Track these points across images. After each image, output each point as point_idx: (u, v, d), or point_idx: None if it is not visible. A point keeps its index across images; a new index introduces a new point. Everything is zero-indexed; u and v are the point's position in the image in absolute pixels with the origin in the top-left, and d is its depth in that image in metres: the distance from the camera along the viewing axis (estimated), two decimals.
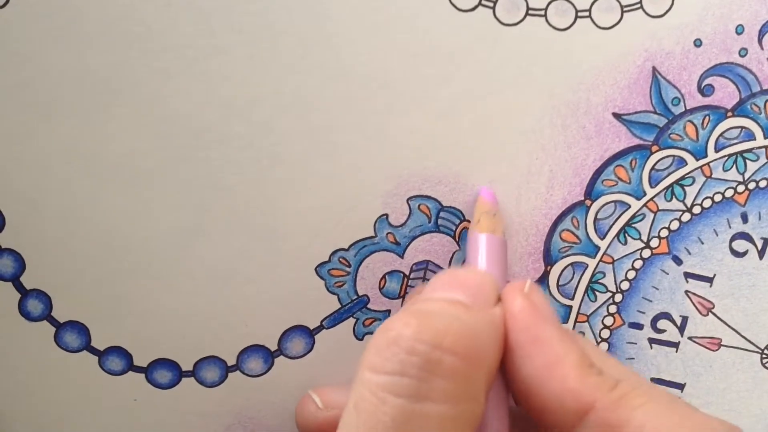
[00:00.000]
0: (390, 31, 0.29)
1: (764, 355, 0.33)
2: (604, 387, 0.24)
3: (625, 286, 0.32)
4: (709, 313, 0.32)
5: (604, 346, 0.32)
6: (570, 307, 0.32)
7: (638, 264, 0.32)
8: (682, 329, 0.32)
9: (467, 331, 0.24)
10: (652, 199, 0.31)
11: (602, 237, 0.31)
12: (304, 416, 0.29)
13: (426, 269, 0.31)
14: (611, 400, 0.24)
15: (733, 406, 0.33)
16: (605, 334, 0.32)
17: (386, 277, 0.31)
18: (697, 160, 0.31)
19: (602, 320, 0.32)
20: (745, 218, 0.32)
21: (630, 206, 0.31)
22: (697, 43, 0.30)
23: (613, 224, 0.31)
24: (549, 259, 0.31)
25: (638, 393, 0.24)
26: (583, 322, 0.32)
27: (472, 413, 0.23)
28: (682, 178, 0.31)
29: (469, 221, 0.31)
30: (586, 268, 0.31)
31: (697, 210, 0.32)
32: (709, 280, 0.32)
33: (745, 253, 0.32)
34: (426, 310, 0.24)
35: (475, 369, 0.24)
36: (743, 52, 0.30)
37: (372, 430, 0.22)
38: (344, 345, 0.31)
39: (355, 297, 0.31)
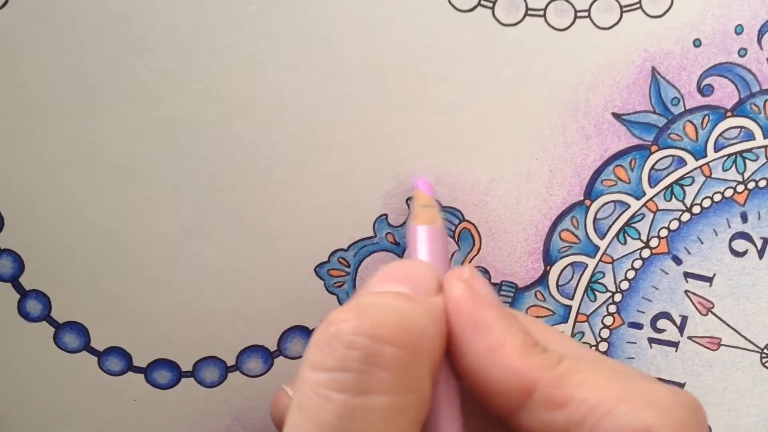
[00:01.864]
0: (389, 31, 0.29)
1: (764, 355, 0.33)
2: (547, 364, 0.24)
3: (624, 285, 0.32)
4: (709, 313, 0.32)
5: (604, 345, 0.32)
6: (570, 307, 0.32)
7: (638, 264, 0.32)
8: (681, 329, 0.32)
9: (406, 321, 0.23)
10: (651, 198, 0.31)
11: (602, 237, 0.31)
12: (279, 410, 0.29)
13: None
14: (554, 377, 0.24)
15: (732, 405, 0.33)
16: (605, 333, 0.32)
17: None
18: (697, 159, 0.31)
19: (602, 320, 0.32)
20: (744, 218, 0.32)
21: (630, 206, 0.31)
22: (697, 43, 0.30)
23: (613, 224, 0.31)
24: (549, 259, 0.31)
25: (581, 367, 0.24)
26: (583, 321, 0.32)
27: (417, 402, 0.23)
28: (682, 177, 0.31)
29: (469, 221, 0.31)
30: (585, 268, 0.31)
31: (696, 210, 0.32)
32: (709, 279, 0.32)
33: (744, 253, 0.32)
34: (364, 303, 0.24)
35: (416, 358, 0.23)
36: (743, 52, 0.30)
37: (317, 428, 0.22)
38: None
39: None
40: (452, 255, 0.31)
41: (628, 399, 0.23)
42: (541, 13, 0.29)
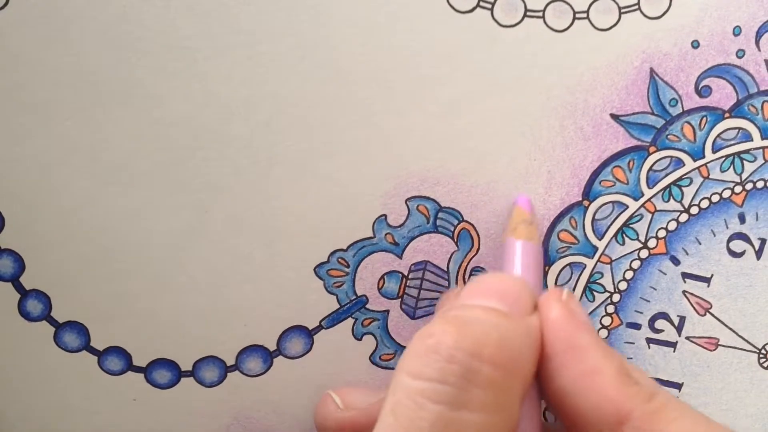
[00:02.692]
0: (388, 32, 0.29)
1: (762, 355, 0.33)
2: (641, 398, 0.25)
3: (623, 286, 0.32)
4: (707, 313, 0.32)
5: None
6: None
7: (636, 264, 0.32)
8: (679, 329, 0.32)
9: (505, 341, 0.24)
10: (649, 199, 0.31)
11: (600, 237, 0.31)
12: (324, 416, 0.29)
13: (424, 269, 0.31)
14: (648, 412, 0.24)
15: (730, 405, 0.33)
16: (603, 334, 0.32)
17: (385, 277, 0.31)
18: (695, 161, 0.31)
19: (600, 320, 0.32)
20: (742, 219, 0.32)
21: (628, 207, 0.31)
22: (695, 44, 0.30)
23: (611, 225, 0.31)
24: (547, 260, 0.31)
25: (674, 407, 0.25)
26: None
27: (507, 423, 0.24)
28: (680, 178, 0.31)
29: (467, 222, 0.31)
30: (584, 269, 0.32)
31: (694, 210, 0.32)
32: (707, 280, 0.32)
33: (742, 254, 0.32)
34: (465, 318, 0.24)
35: (512, 379, 0.24)
36: (740, 53, 0.30)
37: None
38: (343, 345, 0.31)
39: (354, 297, 0.31)
40: (450, 255, 0.31)
41: None
42: (540, 14, 0.29)
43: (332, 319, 0.31)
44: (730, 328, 0.33)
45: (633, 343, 0.32)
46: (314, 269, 0.30)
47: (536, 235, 0.29)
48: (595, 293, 0.32)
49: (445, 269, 0.31)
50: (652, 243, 0.32)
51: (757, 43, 0.30)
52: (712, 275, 0.32)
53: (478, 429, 0.23)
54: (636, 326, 0.32)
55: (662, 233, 0.32)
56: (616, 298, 0.32)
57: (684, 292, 0.32)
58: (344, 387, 0.30)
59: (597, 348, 0.25)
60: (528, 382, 0.25)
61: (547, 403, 0.26)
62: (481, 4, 0.29)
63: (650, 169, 0.31)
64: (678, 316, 0.32)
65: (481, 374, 0.23)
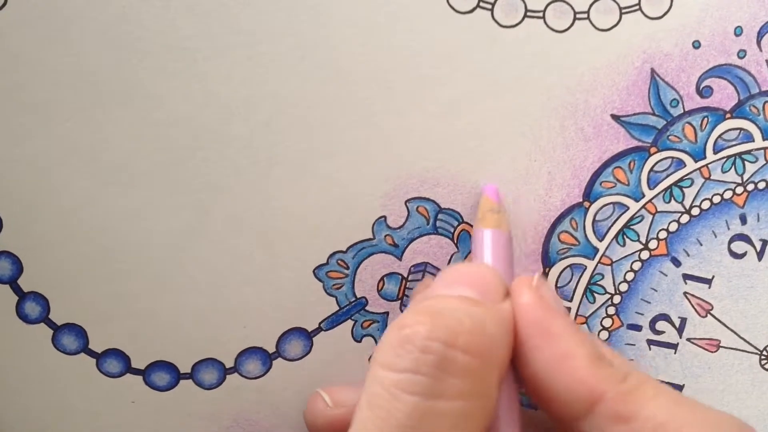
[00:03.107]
0: (388, 32, 0.29)
1: (763, 357, 0.33)
2: (615, 379, 0.25)
3: (623, 287, 0.32)
4: (708, 315, 0.32)
5: None
6: (569, 309, 0.32)
7: (637, 265, 0.32)
8: (680, 331, 0.32)
9: (479, 329, 0.24)
10: (650, 200, 0.31)
11: (601, 239, 0.31)
12: (314, 414, 0.29)
13: (424, 271, 0.31)
14: (621, 392, 0.24)
15: (731, 407, 0.33)
16: (604, 335, 0.32)
17: (384, 279, 0.31)
18: (696, 161, 0.31)
19: (601, 322, 0.32)
20: (743, 220, 0.32)
21: (628, 208, 0.31)
22: (696, 44, 0.30)
23: (612, 226, 0.31)
24: (547, 261, 0.31)
25: (648, 386, 0.25)
26: (582, 323, 0.32)
27: (484, 409, 0.24)
28: (681, 179, 0.31)
29: (467, 223, 0.30)
30: (584, 270, 0.31)
31: (695, 212, 0.32)
32: (708, 281, 0.32)
33: (743, 255, 0.32)
34: (438, 308, 0.24)
35: (488, 366, 0.24)
36: (742, 53, 0.30)
37: (386, 426, 0.22)
38: (342, 347, 0.31)
39: (354, 299, 0.31)
40: (450, 257, 0.31)
41: (691, 423, 0.24)
42: (540, 14, 0.29)
43: (332, 321, 0.31)
44: (732, 330, 0.32)
45: (634, 345, 0.32)
46: (314, 271, 0.30)
47: (505, 223, 0.29)
48: (595, 295, 0.32)
49: None
50: (653, 244, 0.32)
51: (758, 43, 0.30)
52: (713, 276, 0.32)
53: (456, 417, 0.23)
54: (637, 328, 0.32)
55: (663, 234, 0.32)
56: (616, 299, 0.32)
57: (685, 293, 0.32)
58: (334, 385, 0.30)
59: (569, 332, 0.25)
60: (503, 367, 0.25)
61: (523, 387, 0.26)
62: (482, 4, 0.29)
63: (651, 169, 0.31)
64: (679, 317, 0.32)
65: (456, 363, 0.23)
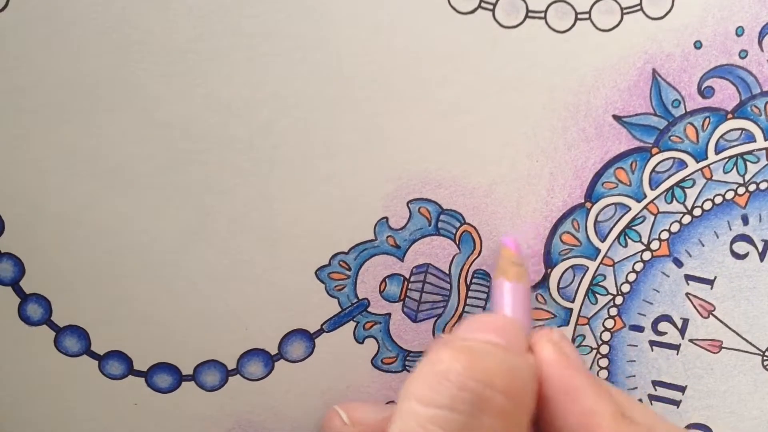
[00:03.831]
0: (389, 33, 0.29)
1: (765, 357, 0.33)
2: None
3: (625, 288, 0.32)
4: (710, 316, 0.32)
5: (605, 348, 0.32)
6: (570, 310, 0.32)
7: (639, 266, 0.32)
8: (682, 331, 0.32)
9: (514, 372, 0.24)
10: (652, 201, 0.31)
11: (603, 239, 0.31)
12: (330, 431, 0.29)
13: (426, 272, 0.31)
14: None
15: (734, 408, 0.33)
16: (606, 336, 0.32)
17: (386, 280, 0.31)
18: (698, 162, 0.31)
19: (603, 323, 0.32)
20: (745, 220, 0.32)
21: (630, 208, 0.31)
22: (697, 45, 0.30)
23: (614, 227, 0.31)
24: (549, 262, 0.31)
25: None
26: (584, 324, 0.32)
27: None
28: (683, 180, 0.31)
29: (469, 224, 0.30)
30: (586, 271, 0.31)
31: (697, 212, 0.31)
32: (710, 282, 0.32)
33: (745, 255, 0.32)
34: (473, 347, 0.24)
35: (521, 410, 0.24)
36: (743, 53, 0.30)
37: None
38: (345, 348, 0.31)
39: (356, 300, 0.31)
40: (452, 258, 0.31)
41: None
42: (542, 15, 0.29)
43: (334, 323, 0.31)
44: (734, 331, 0.32)
45: (636, 346, 0.32)
46: (315, 272, 0.30)
47: (525, 277, 0.30)
48: (597, 296, 0.32)
49: (447, 272, 0.31)
50: (654, 245, 0.32)
51: (760, 43, 0.30)
52: (715, 277, 0.32)
53: None
54: (639, 329, 0.32)
55: (665, 235, 0.32)
56: (618, 300, 0.32)
57: (687, 294, 0.32)
58: (350, 402, 0.30)
59: (592, 389, 0.25)
60: (531, 416, 0.25)
61: None
62: (483, 5, 0.29)
63: (653, 170, 0.31)
64: (681, 318, 0.32)
65: (492, 403, 0.23)
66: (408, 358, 0.31)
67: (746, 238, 0.32)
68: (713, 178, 0.31)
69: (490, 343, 0.25)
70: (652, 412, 0.27)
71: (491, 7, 0.29)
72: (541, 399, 0.25)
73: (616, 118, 0.30)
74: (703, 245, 0.32)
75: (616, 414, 0.25)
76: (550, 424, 0.25)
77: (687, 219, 0.31)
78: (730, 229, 0.32)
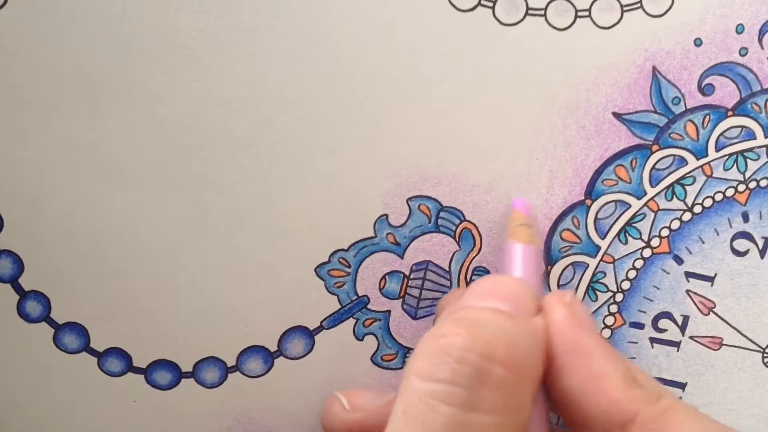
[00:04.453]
0: (389, 30, 0.29)
1: (765, 355, 0.33)
2: (647, 400, 0.25)
3: (626, 285, 0.32)
4: (711, 313, 0.32)
5: None
6: None
7: (639, 263, 0.32)
8: (683, 328, 0.32)
9: (515, 342, 0.24)
10: (652, 198, 0.31)
11: (603, 237, 0.31)
12: (331, 418, 0.29)
13: (426, 269, 0.31)
14: (654, 413, 0.24)
15: (734, 405, 0.33)
16: (606, 333, 0.32)
17: (386, 277, 0.31)
18: (698, 159, 0.31)
19: (603, 320, 0.32)
20: (746, 217, 0.32)
21: (630, 206, 0.31)
22: (698, 42, 0.30)
23: (614, 224, 0.31)
24: (549, 259, 0.31)
25: (680, 409, 0.25)
26: None
27: (518, 423, 0.24)
28: (683, 177, 0.31)
29: (469, 221, 0.30)
30: (586, 268, 0.31)
31: (697, 209, 0.31)
32: (710, 279, 0.32)
33: (746, 253, 0.32)
34: (474, 319, 0.24)
35: (523, 380, 0.24)
36: (743, 51, 0.30)
37: None
38: (344, 345, 0.31)
39: (355, 297, 0.31)
40: (452, 255, 0.31)
41: None
42: (542, 12, 0.29)
43: (333, 320, 0.31)
44: (734, 328, 0.32)
45: (636, 343, 0.32)
46: (315, 269, 0.30)
47: (536, 238, 0.29)
48: (597, 293, 0.32)
49: (447, 269, 0.31)
50: (655, 242, 0.32)
51: (760, 41, 0.30)
52: (715, 274, 0.32)
53: (490, 429, 0.23)
54: (639, 326, 0.32)
55: (665, 232, 0.32)
56: (619, 297, 0.32)
57: (687, 291, 0.32)
58: (351, 389, 0.30)
59: (602, 351, 0.25)
60: (537, 383, 0.25)
61: (552, 404, 0.26)
62: (483, 2, 0.29)
63: (653, 167, 0.31)
64: (681, 315, 0.32)
65: (492, 376, 0.23)
66: (407, 355, 0.31)
67: (746, 236, 0.32)
68: (713, 175, 0.31)
69: (492, 311, 0.25)
70: (660, 385, 0.27)
71: (491, 4, 0.29)
72: (550, 359, 0.25)
73: (616, 115, 0.30)
74: (703, 242, 0.32)
75: (625, 377, 0.25)
76: (559, 385, 0.25)
77: (687, 216, 0.31)
78: (731, 227, 0.32)
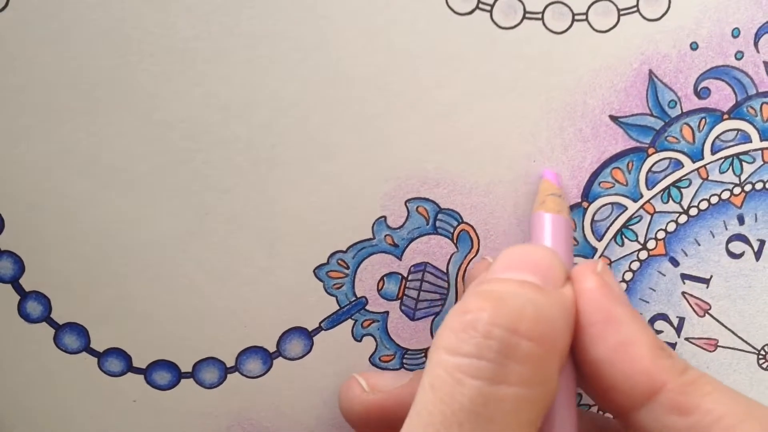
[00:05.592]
0: (388, 34, 0.29)
1: (761, 356, 0.33)
2: (676, 370, 0.25)
3: (622, 287, 0.32)
4: (706, 315, 0.32)
5: None
6: None
7: (635, 265, 0.32)
8: (679, 330, 0.32)
9: (541, 315, 0.24)
10: (648, 201, 0.31)
11: (599, 239, 0.31)
12: (349, 399, 0.29)
13: (424, 271, 0.31)
14: (682, 383, 0.24)
15: None
16: None
17: (384, 278, 0.31)
18: (694, 162, 0.31)
19: None
20: (741, 220, 0.32)
21: (627, 208, 0.31)
22: (694, 46, 0.30)
23: (610, 226, 0.31)
24: None
25: (707, 380, 0.25)
26: None
27: (545, 395, 0.24)
28: (679, 180, 0.31)
29: (467, 223, 0.31)
30: None
31: (693, 212, 0.32)
32: (706, 281, 0.32)
33: (741, 255, 0.32)
34: (500, 292, 0.24)
35: (549, 353, 0.24)
36: (739, 55, 0.31)
37: (449, 409, 0.22)
38: (343, 346, 0.31)
39: (354, 298, 0.31)
40: (450, 257, 0.31)
41: (750, 419, 0.24)
42: (539, 16, 0.29)
43: (332, 321, 0.31)
44: (730, 329, 0.33)
45: None
46: (314, 271, 0.30)
47: (566, 208, 0.29)
48: None
49: (445, 271, 0.31)
50: (651, 244, 0.32)
51: (755, 44, 0.30)
52: (711, 276, 0.32)
53: (518, 403, 0.23)
54: None
55: (661, 234, 0.32)
56: None
57: (683, 293, 0.32)
58: (370, 371, 0.30)
59: (632, 320, 0.25)
60: (564, 354, 0.25)
61: (579, 374, 0.26)
62: (480, 6, 0.29)
63: (649, 170, 0.31)
64: (677, 317, 0.32)
65: (519, 349, 0.23)
66: (406, 356, 0.31)
67: (742, 238, 0.32)
68: (709, 178, 0.31)
69: (519, 283, 0.25)
70: (683, 358, 0.27)
71: (489, 8, 0.29)
72: (578, 329, 0.25)
73: (613, 118, 0.31)
74: (699, 245, 0.32)
75: (654, 346, 0.25)
76: (587, 354, 0.25)
77: (683, 218, 0.32)
78: (726, 229, 0.32)
